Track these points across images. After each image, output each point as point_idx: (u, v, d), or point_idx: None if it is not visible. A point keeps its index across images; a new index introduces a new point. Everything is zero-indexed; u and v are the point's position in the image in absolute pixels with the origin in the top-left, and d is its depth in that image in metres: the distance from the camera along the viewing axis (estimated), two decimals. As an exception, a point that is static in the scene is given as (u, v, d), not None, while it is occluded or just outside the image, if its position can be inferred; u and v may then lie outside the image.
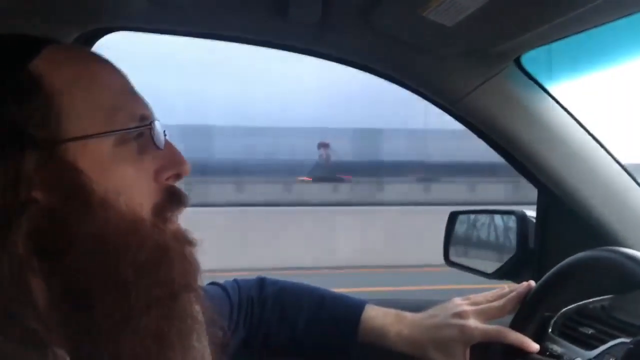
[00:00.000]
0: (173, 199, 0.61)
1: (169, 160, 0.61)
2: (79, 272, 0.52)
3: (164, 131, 0.63)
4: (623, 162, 1.09)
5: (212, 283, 0.97)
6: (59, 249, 0.52)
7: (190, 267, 0.60)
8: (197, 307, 0.63)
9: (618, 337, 0.80)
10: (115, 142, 0.57)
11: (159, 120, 0.62)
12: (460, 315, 0.91)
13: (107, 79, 0.60)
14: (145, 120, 0.60)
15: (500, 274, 1.22)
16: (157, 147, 0.60)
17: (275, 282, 1.00)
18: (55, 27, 0.86)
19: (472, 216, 1.37)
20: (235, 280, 1.00)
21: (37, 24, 0.79)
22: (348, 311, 0.96)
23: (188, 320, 0.59)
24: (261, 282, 1.00)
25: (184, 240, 0.61)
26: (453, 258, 1.32)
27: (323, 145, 13.61)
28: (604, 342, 0.81)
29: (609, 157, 1.08)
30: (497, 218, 1.33)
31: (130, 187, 0.57)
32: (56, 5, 0.80)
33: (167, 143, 0.62)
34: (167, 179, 0.61)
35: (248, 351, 0.95)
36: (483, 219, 1.36)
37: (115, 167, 0.56)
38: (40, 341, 0.50)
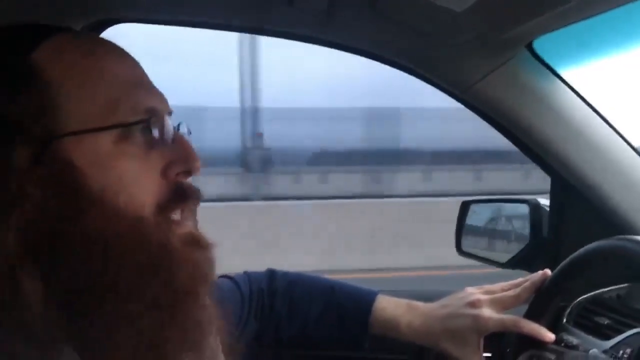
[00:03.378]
0: (179, 196, 0.57)
1: (179, 156, 0.57)
2: (75, 271, 0.50)
3: (179, 124, 0.60)
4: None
5: (223, 276, 0.97)
6: (53, 247, 0.50)
7: (197, 272, 0.56)
8: (207, 311, 0.59)
9: (634, 326, 0.78)
10: (116, 137, 0.53)
11: (171, 111, 0.59)
12: (473, 304, 0.89)
13: (112, 68, 0.56)
14: (152, 113, 0.56)
15: (514, 263, 1.20)
16: (165, 142, 0.56)
17: (285, 274, 1.00)
18: (57, 19, 0.85)
19: (484, 205, 1.36)
20: (245, 273, 1.00)
21: (38, 16, 0.78)
22: (359, 303, 0.95)
23: (193, 327, 0.56)
24: (271, 274, 0.99)
25: (193, 244, 0.57)
26: (465, 248, 1.31)
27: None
28: (619, 332, 0.79)
29: (625, 143, 1.06)
30: (510, 207, 1.32)
31: (132, 184, 0.53)
32: None
33: (179, 137, 0.58)
34: (177, 175, 0.57)
35: (260, 344, 0.95)
36: (495, 208, 1.35)
37: (116, 163, 0.53)
38: (41, 338, 0.49)
